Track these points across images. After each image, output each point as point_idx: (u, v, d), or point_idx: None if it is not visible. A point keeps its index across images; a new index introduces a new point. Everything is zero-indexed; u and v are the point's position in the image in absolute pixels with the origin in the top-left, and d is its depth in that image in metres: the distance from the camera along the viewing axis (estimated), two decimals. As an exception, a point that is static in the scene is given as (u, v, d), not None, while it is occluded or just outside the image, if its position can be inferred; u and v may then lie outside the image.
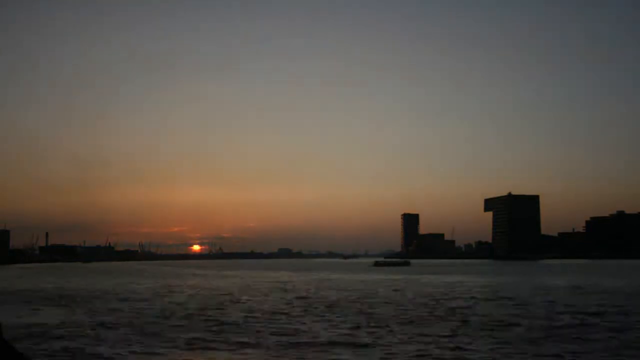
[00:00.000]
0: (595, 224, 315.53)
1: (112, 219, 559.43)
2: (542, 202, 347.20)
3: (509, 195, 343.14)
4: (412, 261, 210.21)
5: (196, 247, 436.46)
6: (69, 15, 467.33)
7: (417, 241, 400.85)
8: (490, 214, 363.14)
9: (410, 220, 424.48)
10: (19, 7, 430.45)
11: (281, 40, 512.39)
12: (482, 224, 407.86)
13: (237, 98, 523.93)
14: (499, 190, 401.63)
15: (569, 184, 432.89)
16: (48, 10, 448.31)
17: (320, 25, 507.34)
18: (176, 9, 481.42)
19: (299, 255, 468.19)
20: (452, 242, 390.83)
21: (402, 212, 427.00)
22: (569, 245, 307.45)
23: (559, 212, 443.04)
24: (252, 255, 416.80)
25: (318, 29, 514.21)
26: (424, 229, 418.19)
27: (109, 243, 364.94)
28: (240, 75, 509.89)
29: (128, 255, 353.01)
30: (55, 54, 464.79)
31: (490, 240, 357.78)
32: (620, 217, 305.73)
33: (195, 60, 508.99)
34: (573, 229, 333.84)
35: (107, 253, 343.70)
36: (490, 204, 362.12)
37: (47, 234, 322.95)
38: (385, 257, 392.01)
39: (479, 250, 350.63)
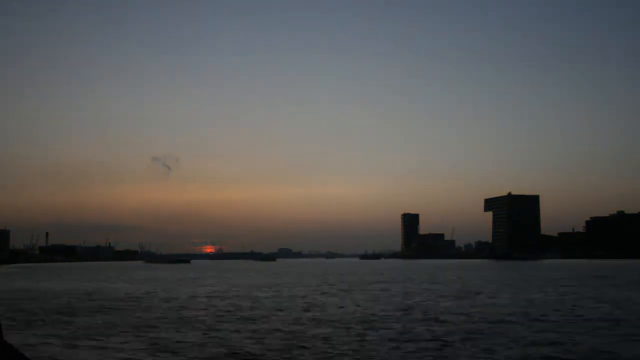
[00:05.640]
0: (595, 224, 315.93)
1: (113, 218, 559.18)
2: (542, 202, 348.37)
3: (509, 195, 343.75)
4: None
5: (209, 249, 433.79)
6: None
7: (417, 241, 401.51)
8: (490, 214, 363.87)
9: (410, 220, 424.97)
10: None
11: (282, 37, 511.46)
12: (482, 224, 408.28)
13: (238, 97, 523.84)
14: (499, 190, 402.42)
15: (569, 184, 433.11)
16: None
17: (325, 25, 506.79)
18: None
19: (299, 255, 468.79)
20: (452, 242, 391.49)
21: (402, 212, 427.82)
22: (569, 245, 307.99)
23: (559, 212, 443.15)
24: (253, 255, 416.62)
25: (322, 30, 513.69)
26: (424, 229, 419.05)
27: (109, 243, 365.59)
28: (244, 75, 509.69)
29: (128, 255, 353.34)
30: (73, 47, 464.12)
31: (490, 240, 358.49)
32: (620, 217, 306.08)
33: (206, 62, 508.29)
34: (573, 229, 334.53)
35: (106, 253, 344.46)
36: (490, 204, 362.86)
37: (47, 234, 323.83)
38: (385, 257, 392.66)
39: (479, 250, 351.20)
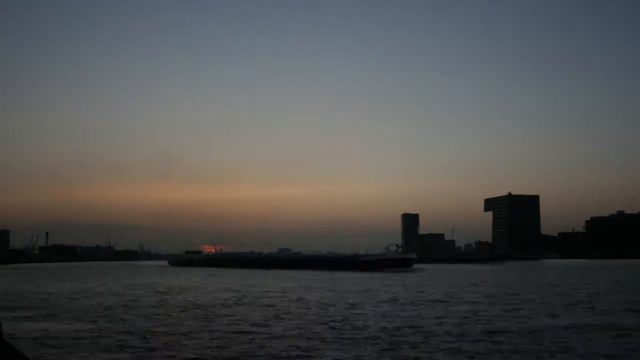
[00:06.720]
0: (595, 224, 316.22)
1: (113, 218, 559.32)
2: (542, 202, 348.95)
3: (509, 195, 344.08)
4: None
5: (211, 248, 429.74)
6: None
7: (417, 241, 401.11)
8: (490, 214, 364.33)
9: (410, 220, 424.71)
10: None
11: (282, 37, 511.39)
12: (482, 224, 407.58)
13: (238, 97, 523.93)
14: (499, 190, 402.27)
15: (569, 184, 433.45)
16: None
17: (325, 25, 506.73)
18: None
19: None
20: (452, 242, 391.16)
21: (402, 212, 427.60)
22: (569, 245, 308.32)
23: (559, 212, 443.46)
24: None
25: (322, 30, 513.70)
26: (424, 229, 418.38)
27: (109, 243, 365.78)
28: (244, 75, 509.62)
29: (128, 255, 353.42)
30: (73, 47, 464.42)
31: (490, 240, 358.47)
32: (620, 217, 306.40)
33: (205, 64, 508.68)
34: (573, 229, 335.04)
35: (106, 253, 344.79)
36: (490, 204, 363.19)
37: (47, 234, 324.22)
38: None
39: (479, 250, 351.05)
